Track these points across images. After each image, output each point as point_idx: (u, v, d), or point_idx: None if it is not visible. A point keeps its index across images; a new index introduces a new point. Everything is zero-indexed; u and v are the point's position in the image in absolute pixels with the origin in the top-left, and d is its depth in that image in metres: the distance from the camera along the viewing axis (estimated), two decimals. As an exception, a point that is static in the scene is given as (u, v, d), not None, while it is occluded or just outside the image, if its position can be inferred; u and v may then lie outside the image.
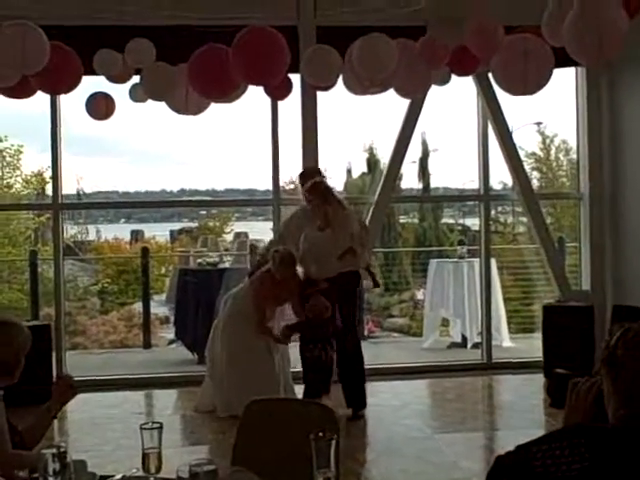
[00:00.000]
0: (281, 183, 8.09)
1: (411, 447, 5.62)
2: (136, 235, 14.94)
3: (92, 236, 14.70)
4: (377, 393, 6.76)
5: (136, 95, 5.91)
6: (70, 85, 5.23)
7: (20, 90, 5.24)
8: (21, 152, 12.05)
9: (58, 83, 5.14)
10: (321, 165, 7.28)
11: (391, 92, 5.79)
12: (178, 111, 5.66)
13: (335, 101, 7.65)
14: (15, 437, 2.84)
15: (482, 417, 6.57)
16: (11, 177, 12.18)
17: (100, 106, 5.76)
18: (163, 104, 5.80)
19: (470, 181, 8.57)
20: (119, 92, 6.11)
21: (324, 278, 6.14)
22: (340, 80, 5.66)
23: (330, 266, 6.12)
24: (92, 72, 5.61)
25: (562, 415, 2.06)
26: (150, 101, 5.94)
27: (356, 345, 6.30)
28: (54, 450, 2.31)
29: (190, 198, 12.16)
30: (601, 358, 1.85)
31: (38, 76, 4.93)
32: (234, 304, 6.44)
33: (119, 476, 2.62)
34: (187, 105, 5.53)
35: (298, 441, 2.40)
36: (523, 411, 6.34)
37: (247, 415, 3.08)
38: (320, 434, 2.25)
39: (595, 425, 1.88)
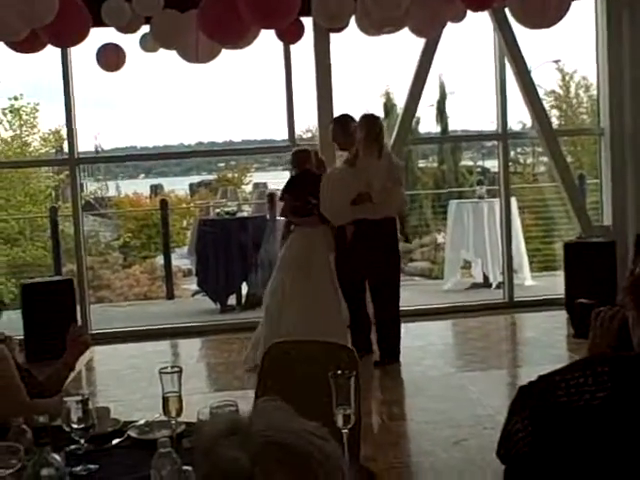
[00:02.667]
0: (297, 131, 8.05)
1: (434, 386, 5.67)
2: (155, 189, 15.01)
3: (112, 192, 14.79)
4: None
5: (146, 45, 5.87)
6: (79, 37, 5.19)
7: (29, 44, 5.21)
8: (37, 110, 12.07)
9: (67, 35, 5.10)
10: (338, 111, 7.19)
11: (406, 33, 5.70)
12: (189, 59, 5.61)
13: (350, 46, 7.57)
14: (34, 389, 2.87)
15: (505, 355, 6.60)
16: (28, 135, 12.22)
17: (111, 57, 5.73)
18: (174, 54, 5.77)
19: (490, 122, 8.46)
20: (131, 45, 6.09)
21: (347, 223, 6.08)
22: (353, 21, 5.57)
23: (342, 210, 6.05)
24: (101, 23, 5.55)
25: (586, 346, 2.05)
26: (161, 51, 5.91)
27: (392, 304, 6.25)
28: (77, 397, 2.36)
29: (208, 149, 12.12)
30: (626, 286, 1.83)
31: (47, 29, 4.90)
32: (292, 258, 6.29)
33: (142, 421, 2.67)
34: (198, 53, 5.48)
35: (319, 381, 2.41)
36: (546, 347, 6.36)
37: (267, 358, 3.10)
38: (339, 372, 2.27)
39: (619, 354, 1.87)
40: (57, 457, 1.94)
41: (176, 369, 2.41)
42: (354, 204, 5.98)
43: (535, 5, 4.92)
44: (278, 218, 8.88)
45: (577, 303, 2.18)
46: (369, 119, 6.15)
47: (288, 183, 6.51)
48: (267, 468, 1.00)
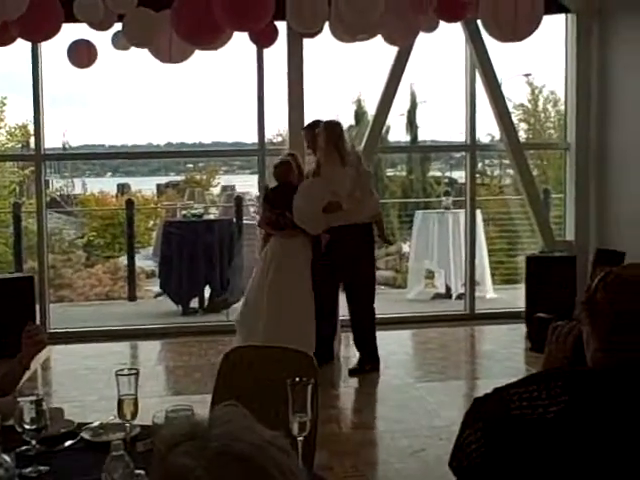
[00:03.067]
0: (268, 135, 8.04)
1: (393, 395, 5.69)
2: (122, 188, 14.87)
3: (78, 190, 14.62)
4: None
5: (119, 43, 5.81)
6: (50, 32, 5.13)
7: (0, 38, 5.14)
8: (4, 104, 11.91)
9: (38, 30, 5.05)
10: (309, 116, 7.19)
11: (380, 41, 5.72)
12: (162, 59, 5.57)
13: (323, 52, 7.58)
14: None
15: (464, 366, 6.64)
16: (-5, 129, 12.05)
17: (82, 54, 5.67)
18: (147, 53, 5.72)
19: (459, 133, 8.52)
20: (103, 42, 6.03)
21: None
22: (327, 27, 5.58)
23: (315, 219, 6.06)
24: (73, 19, 5.49)
25: (541, 360, 2.07)
26: (134, 49, 5.85)
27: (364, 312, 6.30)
28: (31, 398, 2.32)
29: (175, 150, 12.05)
30: (581, 301, 1.85)
31: (17, 23, 4.84)
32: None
33: (97, 423, 2.63)
34: (171, 53, 5.45)
35: (276, 387, 2.41)
36: (504, 360, 6.40)
37: (226, 363, 3.08)
38: (297, 379, 2.27)
39: (573, 368, 1.88)
40: (7, 458, 1.91)
41: (133, 371, 2.38)
42: (326, 212, 6.01)
43: (506, 18, 4.96)
44: (245, 222, 8.88)
45: (535, 317, 2.20)
46: (328, 126, 6.15)
47: (266, 195, 6.53)
48: (220, 479, 0.98)
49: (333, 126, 6.17)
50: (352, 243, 6.03)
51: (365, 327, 6.26)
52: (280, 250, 6.19)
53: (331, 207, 6.00)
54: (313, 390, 2.31)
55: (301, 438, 2.22)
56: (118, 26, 5.77)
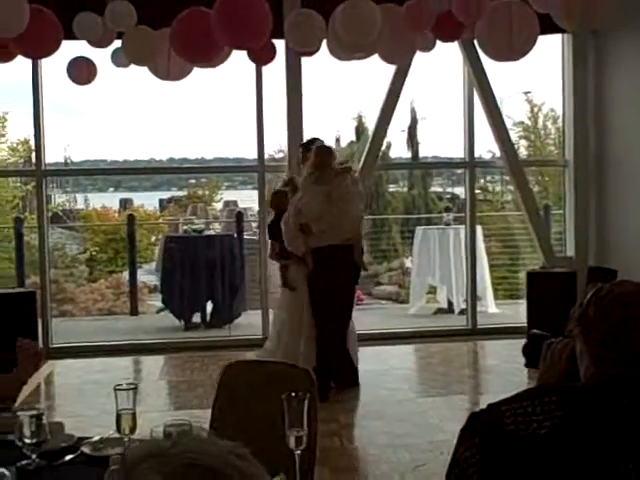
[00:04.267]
0: (269, 151, 8.08)
1: (395, 410, 5.69)
2: (125, 204, 14.90)
3: (80, 205, 14.66)
4: (362, 358, 6.80)
5: (118, 60, 5.86)
6: (50, 49, 5.18)
7: (0, 54, 5.19)
8: (6, 119, 11.98)
9: (37, 47, 5.09)
10: (309, 133, 7.23)
11: (379, 59, 5.76)
12: (160, 76, 5.61)
13: (324, 70, 7.63)
14: None
15: (466, 381, 6.64)
16: (-4, 144, 12.12)
17: (81, 71, 5.71)
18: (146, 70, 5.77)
19: (460, 150, 8.56)
20: (104, 58, 6.08)
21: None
22: (324, 46, 5.63)
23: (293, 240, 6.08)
24: (73, 37, 5.55)
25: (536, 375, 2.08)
26: (133, 67, 5.90)
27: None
28: (30, 412, 2.34)
29: (176, 165, 12.10)
30: (574, 317, 1.87)
31: (17, 40, 4.88)
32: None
33: (97, 437, 2.65)
34: (169, 70, 5.49)
35: (275, 401, 2.42)
36: (506, 374, 6.40)
37: (225, 377, 3.10)
38: (292, 394, 2.28)
39: (566, 384, 1.90)
40: (6, 472, 1.93)
41: (131, 386, 2.40)
42: (302, 233, 5.98)
43: (502, 38, 5.01)
44: (245, 237, 8.92)
45: (530, 333, 2.21)
46: (305, 147, 6.23)
47: (268, 228, 6.55)
48: None
49: (303, 146, 6.28)
50: (325, 264, 5.91)
51: (326, 353, 5.99)
52: (297, 276, 6.20)
53: (304, 228, 5.97)
54: (310, 405, 2.32)
55: (298, 452, 2.23)
56: (117, 43, 5.83)
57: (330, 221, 5.90)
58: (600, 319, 1.76)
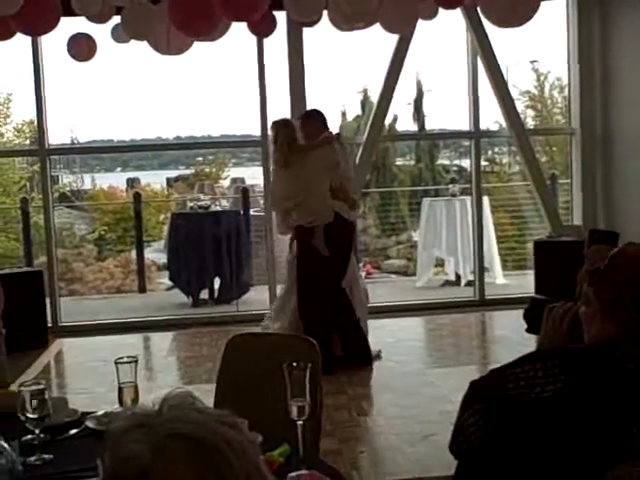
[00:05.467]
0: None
1: (404, 382, 5.69)
2: (132, 183, 14.89)
3: (88, 185, 14.67)
4: (370, 331, 6.80)
5: (118, 36, 5.82)
6: (48, 26, 5.15)
7: (-1, 32, 5.17)
8: (10, 100, 11.97)
9: (36, 24, 5.06)
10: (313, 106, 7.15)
11: (381, 30, 5.70)
12: (160, 51, 5.58)
13: (327, 44, 7.59)
14: None
15: (475, 352, 6.64)
16: (1, 126, 12.11)
17: (81, 47, 5.68)
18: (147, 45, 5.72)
19: (467, 122, 8.49)
20: (104, 34, 6.04)
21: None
22: (326, 17, 5.58)
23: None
24: (71, 13, 5.51)
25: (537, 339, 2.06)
26: (134, 42, 5.86)
27: None
28: (32, 387, 2.34)
29: (180, 142, 12.05)
30: (583, 279, 1.85)
31: (16, 17, 4.85)
32: None
33: (101, 412, 2.65)
34: (169, 44, 5.46)
35: (279, 373, 2.41)
36: (515, 344, 6.36)
37: (229, 349, 3.10)
38: (294, 363, 2.27)
39: (569, 346, 1.88)
40: (6, 445, 1.93)
41: (131, 359, 2.40)
42: None
43: (504, 3, 4.95)
44: (252, 213, 8.91)
45: (532, 298, 2.20)
46: (274, 126, 6.02)
47: None
48: (168, 459, 1.00)
49: (278, 126, 5.95)
50: (297, 244, 5.91)
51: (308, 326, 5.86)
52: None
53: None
54: (313, 375, 2.31)
55: (300, 422, 2.23)
56: (117, 19, 5.79)
57: (296, 200, 5.80)
58: (613, 280, 1.75)
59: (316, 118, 5.94)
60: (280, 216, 6.02)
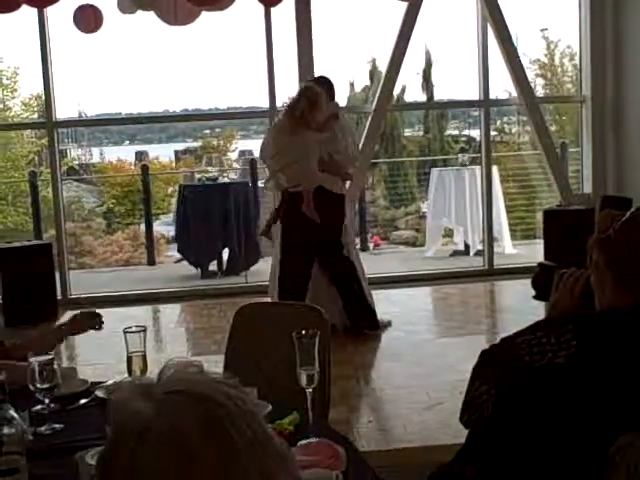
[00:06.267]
0: (284, 97, 7.97)
1: (412, 351, 5.69)
2: (140, 156, 14.88)
3: (96, 158, 14.68)
4: (378, 301, 6.80)
5: (124, 6, 5.79)
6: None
7: (4, 3, 5.13)
8: (18, 74, 11.94)
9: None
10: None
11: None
12: (168, 21, 5.54)
13: (336, 13, 7.52)
14: None
15: (483, 321, 6.62)
16: (9, 100, 12.10)
17: (88, 18, 5.65)
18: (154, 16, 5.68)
19: (476, 92, 8.42)
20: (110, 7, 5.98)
21: None
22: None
23: None
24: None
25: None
26: (140, 13, 5.82)
27: None
28: (41, 358, 2.35)
29: (186, 114, 12.00)
30: (595, 244, 1.82)
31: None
32: None
33: (111, 381, 2.67)
34: (176, 14, 5.41)
35: (287, 341, 2.42)
36: (524, 314, 6.33)
37: (237, 319, 3.11)
38: (303, 331, 2.27)
39: (582, 311, 1.86)
40: (15, 414, 1.94)
41: (141, 328, 2.41)
42: None
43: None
44: (260, 184, 8.88)
45: (540, 264, 2.17)
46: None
47: None
48: (171, 414, 1.00)
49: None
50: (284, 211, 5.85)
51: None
52: None
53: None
54: (322, 342, 2.31)
55: (310, 390, 2.23)
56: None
57: (282, 163, 5.72)
58: (625, 246, 1.72)
59: (321, 87, 5.87)
60: (270, 174, 5.98)
